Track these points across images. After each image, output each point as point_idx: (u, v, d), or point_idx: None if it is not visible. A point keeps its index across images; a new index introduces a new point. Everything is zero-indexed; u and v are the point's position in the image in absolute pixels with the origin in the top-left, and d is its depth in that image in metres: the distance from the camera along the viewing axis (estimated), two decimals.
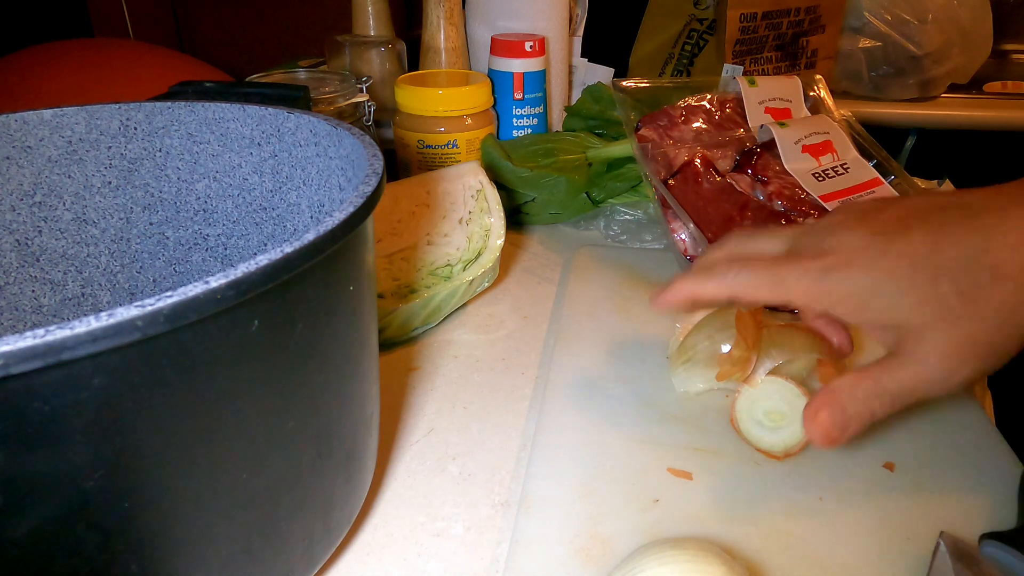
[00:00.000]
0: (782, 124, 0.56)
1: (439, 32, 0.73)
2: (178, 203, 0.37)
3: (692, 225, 0.51)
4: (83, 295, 0.36)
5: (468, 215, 0.49)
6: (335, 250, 0.20)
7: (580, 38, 0.84)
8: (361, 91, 0.65)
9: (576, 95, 0.82)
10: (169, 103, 0.35)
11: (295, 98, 0.35)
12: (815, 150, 0.56)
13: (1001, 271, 0.30)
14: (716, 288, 0.35)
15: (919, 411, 0.39)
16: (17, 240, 0.34)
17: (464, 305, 0.51)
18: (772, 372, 0.37)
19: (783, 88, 0.61)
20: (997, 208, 0.31)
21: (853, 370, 0.32)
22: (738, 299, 0.34)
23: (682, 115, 0.58)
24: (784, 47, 0.91)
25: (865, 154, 0.57)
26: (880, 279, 0.31)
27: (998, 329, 0.31)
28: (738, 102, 0.60)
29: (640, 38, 1.07)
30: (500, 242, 0.48)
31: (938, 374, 0.31)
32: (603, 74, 0.83)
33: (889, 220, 0.33)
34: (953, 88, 1.09)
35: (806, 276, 0.32)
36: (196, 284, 0.16)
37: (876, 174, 0.56)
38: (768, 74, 0.91)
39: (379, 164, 0.25)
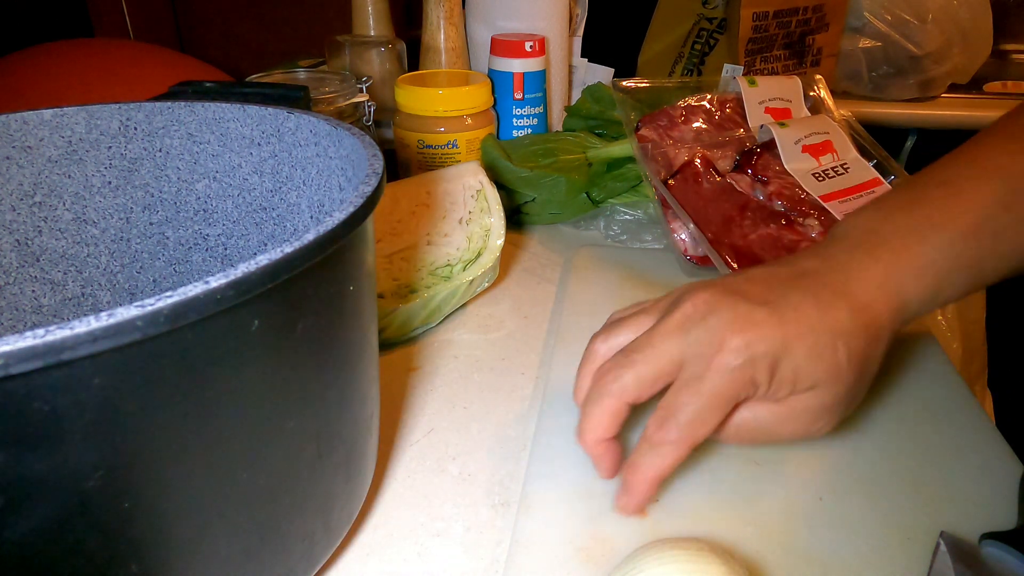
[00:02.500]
0: (782, 124, 0.56)
1: (439, 32, 0.73)
2: (178, 203, 0.37)
3: (692, 225, 0.51)
4: (83, 295, 0.36)
5: (468, 215, 0.49)
6: (335, 250, 0.20)
7: (580, 38, 0.83)
8: (361, 91, 0.65)
9: (576, 95, 0.82)
10: (169, 103, 0.35)
11: (295, 98, 0.35)
12: (815, 150, 0.56)
13: (874, 332, 0.31)
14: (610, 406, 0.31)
15: (919, 411, 0.39)
16: (17, 240, 0.34)
17: (464, 305, 0.51)
18: None
19: (783, 88, 0.61)
20: (852, 271, 0.32)
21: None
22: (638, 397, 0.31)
23: (682, 115, 0.58)
24: (792, 45, 0.91)
25: (865, 154, 0.57)
26: (791, 346, 0.30)
27: (868, 383, 0.32)
28: (738, 102, 0.60)
29: (649, 38, 1.07)
30: (500, 242, 0.48)
31: (808, 429, 0.32)
32: (603, 74, 0.83)
33: (758, 292, 0.31)
34: (953, 88, 1.08)
35: (710, 333, 0.30)
36: (196, 284, 0.16)
37: (876, 174, 0.56)
38: (777, 72, 0.91)
39: (379, 164, 0.25)
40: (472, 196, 0.49)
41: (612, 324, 0.35)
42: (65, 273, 0.36)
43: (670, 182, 0.53)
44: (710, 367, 0.29)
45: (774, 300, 0.31)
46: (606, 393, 0.31)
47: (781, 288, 0.31)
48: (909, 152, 1.10)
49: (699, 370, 0.29)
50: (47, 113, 0.33)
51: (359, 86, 0.65)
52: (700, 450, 0.36)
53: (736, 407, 0.31)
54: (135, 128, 0.35)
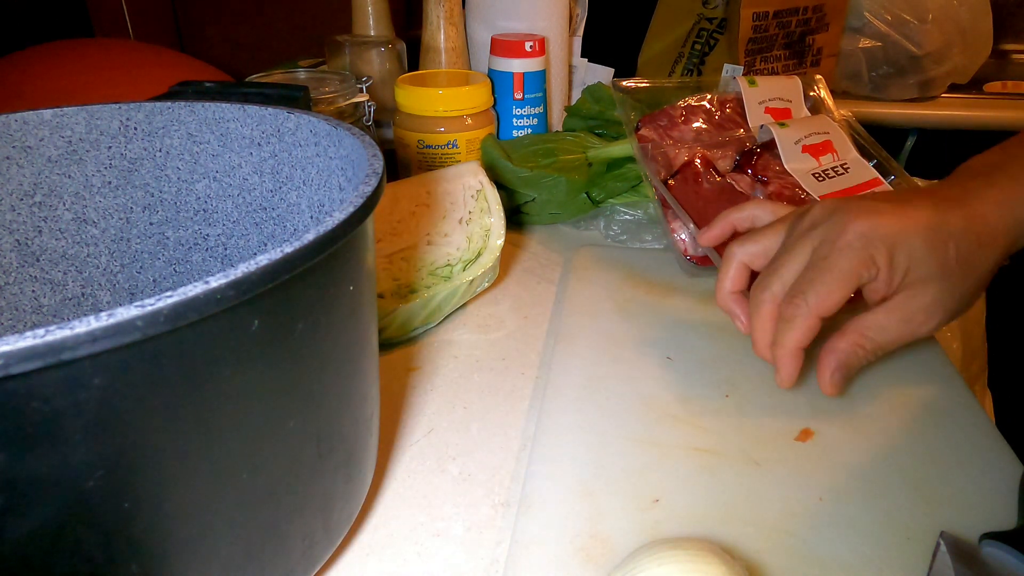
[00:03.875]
0: (782, 124, 0.56)
1: (439, 32, 0.73)
2: (178, 203, 0.37)
3: (692, 225, 0.51)
4: (83, 295, 0.36)
5: (468, 215, 0.49)
6: (335, 250, 0.20)
7: (580, 38, 0.83)
8: (361, 91, 0.65)
9: (576, 95, 0.82)
10: (169, 103, 0.35)
11: (295, 98, 0.35)
12: (815, 150, 0.56)
13: (985, 239, 0.35)
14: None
15: (919, 410, 0.39)
16: (17, 240, 0.34)
17: (464, 305, 0.51)
18: None
19: (783, 88, 0.61)
20: (971, 191, 0.36)
21: (845, 329, 0.36)
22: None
23: (682, 115, 0.58)
24: (792, 45, 0.91)
25: (865, 154, 0.57)
26: (908, 235, 0.34)
27: (974, 288, 0.35)
28: (738, 102, 0.60)
29: (649, 38, 1.07)
30: (500, 242, 0.48)
31: (918, 328, 0.35)
32: (603, 74, 0.83)
33: (883, 196, 0.36)
34: (953, 88, 1.09)
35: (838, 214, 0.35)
36: (196, 284, 0.16)
37: (876, 174, 0.56)
38: (777, 72, 0.91)
39: (379, 164, 0.25)
40: (472, 196, 0.49)
41: (749, 233, 0.41)
42: (65, 273, 0.36)
43: (670, 182, 0.53)
44: (835, 248, 0.34)
45: (897, 201, 0.35)
46: (761, 301, 0.37)
47: (905, 197, 0.36)
48: (909, 152, 1.10)
49: (825, 251, 0.34)
50: (47, 113, 0.33)
51: (359, 86, 0.65)
52: (701, 450, 0.36)
53: (860, 305, 0.36)
54: (135, 128, 0.35)
